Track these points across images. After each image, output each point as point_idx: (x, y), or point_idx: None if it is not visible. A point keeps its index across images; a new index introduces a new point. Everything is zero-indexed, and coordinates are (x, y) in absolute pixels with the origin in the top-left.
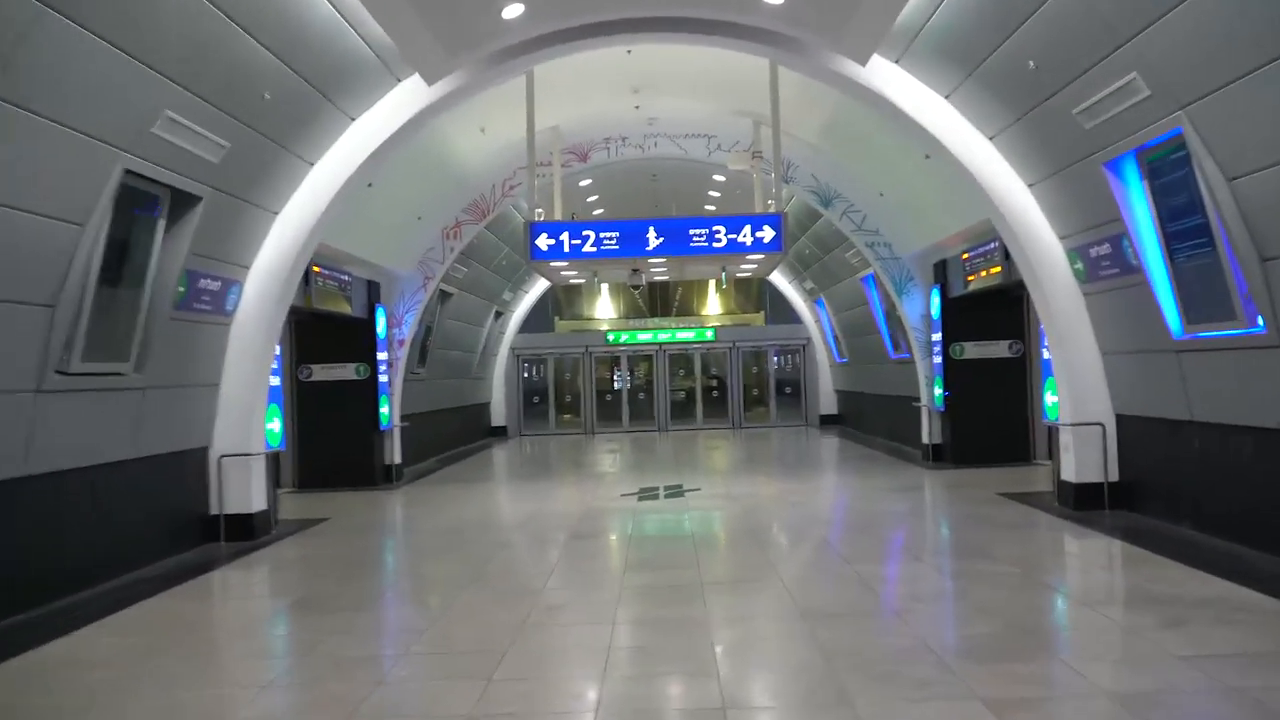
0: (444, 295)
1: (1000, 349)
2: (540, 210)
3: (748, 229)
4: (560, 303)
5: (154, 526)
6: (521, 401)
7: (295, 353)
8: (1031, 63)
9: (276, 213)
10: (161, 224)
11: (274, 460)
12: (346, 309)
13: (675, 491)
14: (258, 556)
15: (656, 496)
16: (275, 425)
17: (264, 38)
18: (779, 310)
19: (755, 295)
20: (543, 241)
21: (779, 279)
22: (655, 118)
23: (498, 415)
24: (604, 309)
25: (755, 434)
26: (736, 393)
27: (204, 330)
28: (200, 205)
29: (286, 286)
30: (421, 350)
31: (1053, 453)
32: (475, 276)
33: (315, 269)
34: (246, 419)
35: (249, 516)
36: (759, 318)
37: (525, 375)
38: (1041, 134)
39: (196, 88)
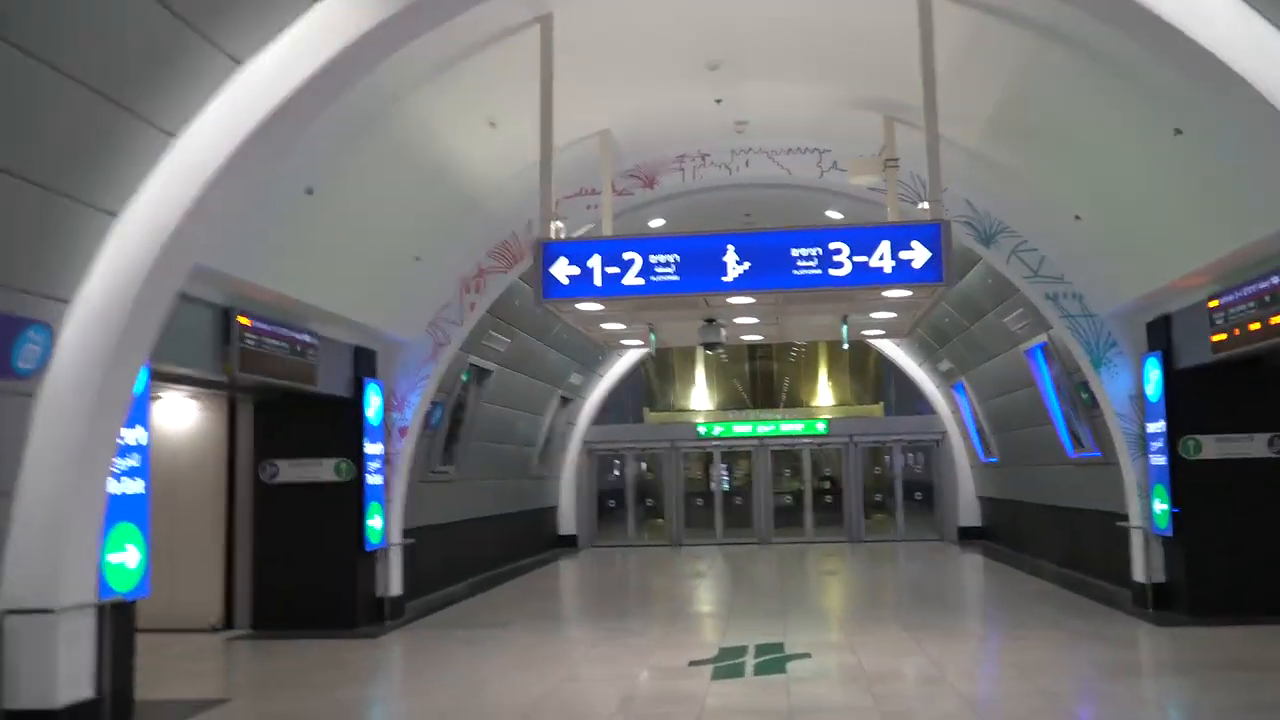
0: (480, 373)
1: (1256, 446)
2: (559, 224)
3: (885, 247)
4: (653, 392)
5: None
6: (595, 506)
7: (258, 443)
8: None
9: (113, 213)
10: None
11: (123, 614)
12: (305, 383)
13: (772, 660)
14: None
15: (741, 671)
16: (129, 556)
17: None
18: (904, 400)
19: (874, 382)
20: (561, 270)
21: (905, 358)
22: (745, 121)
23: (566, 522)
24: (702, 399)
25: (879, 551)
26: (855, 498)
27: None
28: None
29: (131, 334)
30: (447, 442)
31: None
32: (525, 349)
33: (243, 320)
34: (54, 549)
35: (51, 715)
36: (877, 409)
37: (602, 474)
38: None
39: None
